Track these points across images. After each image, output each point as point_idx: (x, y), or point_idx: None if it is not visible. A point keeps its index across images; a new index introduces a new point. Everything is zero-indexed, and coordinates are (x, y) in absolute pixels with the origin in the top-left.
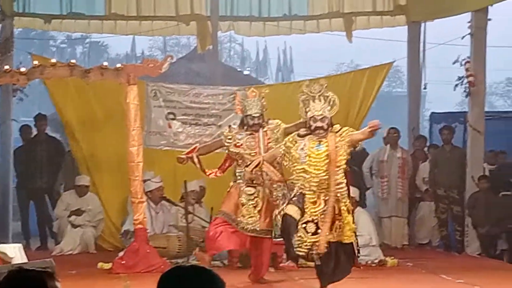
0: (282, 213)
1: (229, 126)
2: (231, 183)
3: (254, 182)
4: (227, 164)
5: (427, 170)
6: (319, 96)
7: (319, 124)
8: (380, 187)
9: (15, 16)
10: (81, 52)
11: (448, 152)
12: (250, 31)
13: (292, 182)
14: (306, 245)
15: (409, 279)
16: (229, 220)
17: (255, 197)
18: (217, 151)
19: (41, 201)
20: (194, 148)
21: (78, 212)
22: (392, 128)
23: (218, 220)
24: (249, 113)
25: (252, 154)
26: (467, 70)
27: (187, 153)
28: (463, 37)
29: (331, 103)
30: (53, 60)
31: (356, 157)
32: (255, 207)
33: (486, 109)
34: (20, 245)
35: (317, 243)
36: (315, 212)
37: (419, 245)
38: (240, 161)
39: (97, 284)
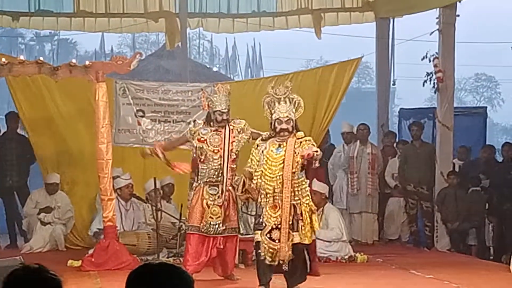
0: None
1: (194, 121)
2: (194, 184)
3: (215, 181)
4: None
5: (396, 166)
6: (284, 98)
7: (284, 126)
8: (350, 183)
9: None
10: (50, 49)
11: (418, 148)
12: (219, 28)
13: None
14: (273, 253)
15: (379, 274)
16: (200, 231)
17: (219, 196)
18: (183, 147)
19: (10, 198)
20: (157, 144)
21: (47, 210)
22: (362, 124)
23: (191, 238)
24: (218, 108)
25: (216, 150)
26: (435, 66)
27: (154, 147)
28: (432, 33)
29: (296, 105)
30: (21, 58)
31: (326, 152)
32: (220, 206)
33: (455, 104)
34: None
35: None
36: (275, 216)
37: (389, 241)
38: (203, 157)
39: (67, 282)
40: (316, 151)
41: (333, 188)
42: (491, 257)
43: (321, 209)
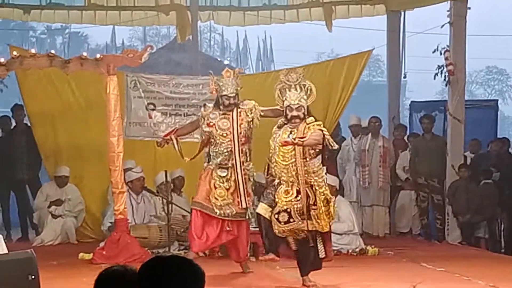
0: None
1: (204, 105)
2: (205, 164)
3: (226, 164)
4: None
5: (407, 159)
6: (296, 85)
7: (295, 113)
8: (361, 176)
9: None
10: (61, 42)
11: (429, 141)
12: (229, 21)
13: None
14: (281, 234)
15: (390, 267)
16: (205, 209)
17: (228, 179)
18: (196, 140)
19: (22, 192)
20: (172, 130)
21: (58, 203)
22: (374, 117)
23: (194, 213)
24: (225, 93)
25: (224, 134)
26: (446, 59)
27: (166, 135)
28: (443, 25)
29: (308, 92)
30: (33, 51)
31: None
32: (227, 189)
33: (466, 97)
34: (0, 236)
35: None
36: (287, 201)
37: (400, 234)
38: (212, 141)
39: (78, 274)
40: (302, 137)
41: (343, 181)
42: (502, 250)
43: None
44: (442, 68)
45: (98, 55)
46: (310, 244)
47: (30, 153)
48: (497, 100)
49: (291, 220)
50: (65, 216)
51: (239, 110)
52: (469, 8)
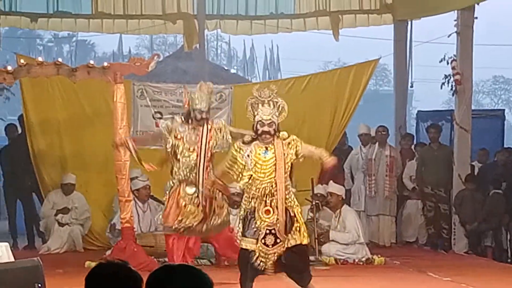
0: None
1: (172, 117)
2: (169, 183)
3: (191, 180)
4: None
5: (414, 168)
6: (268, 101)
7: (266, 128)
8: (368, 185)
9: (1, 15)
10: (68, 50)
11: (435, 150)
12: (236, 29)
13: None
14: (269, 258)
15: (396, 277)
16: (177, 231)
17: (197, 195)
18: (154, 147)
19: (28, 199)
20: (133, 138)
21: (64, 211)
22: (381, 126)
23: (169, 239)
24: (197, 107)
25: (191, 149)
26: (453, 68)
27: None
28: (450, 35)
29: (279, 109)
30: (40, 59)
31: (345, 155)
32: (198, 206)
33: (473, 107)
34: (6, 243)
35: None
36: (270, 221)
37: (407, 243)
38: (178, 155)
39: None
40: (333, 159)
41: (352, 190)
42: (509, 260)
43: (338, 210)
44: (449, 77)
45: (105, 64)
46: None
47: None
48: (504, 109)
49: (278, 241)
50: (72, 224)
51: (209, 126)
52: (476, 17)
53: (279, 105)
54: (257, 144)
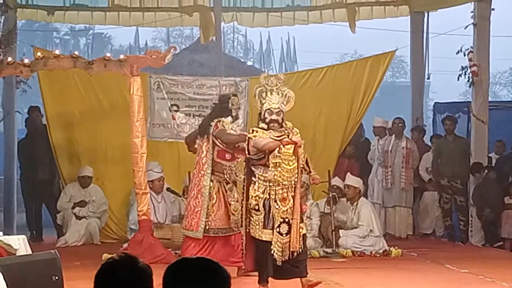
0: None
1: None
2: (205, 183)
3: (229, 178)
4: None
5: (430, 160)
6: (276, 89)
7: (274, 117)
8: (384, 177)
9: (18, 8)
10: (85, 43)
11: (451, 142)
12: (253, 22)
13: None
14: (282, 249)
15: (413, 269)
16: (219, 233)
17: (236, 192)
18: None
19: (41, 192)
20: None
21: (81, 204)
22: (398, 118)
23: (207, 240)
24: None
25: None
26: (470, 60)
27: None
28: (466, 26)
29: (287, 98)
30: (57, 52)
31: (362, 146)
32: (237, 201)
33: (490, 99)
34: (24, 236)
35: (289, 242)
36: (285, 210)
37: (424, 235)
38: (230, 155)
39: None
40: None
41: (368, 182)
42: None
43: (355, 203)
44: (465, 69)
45: (121, 56)
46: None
47: (50, 154)
48: None
49: (290, 230)
50: (89, 217)
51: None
52: (493, 9)
53: (286, 94)
54: (274, 132)
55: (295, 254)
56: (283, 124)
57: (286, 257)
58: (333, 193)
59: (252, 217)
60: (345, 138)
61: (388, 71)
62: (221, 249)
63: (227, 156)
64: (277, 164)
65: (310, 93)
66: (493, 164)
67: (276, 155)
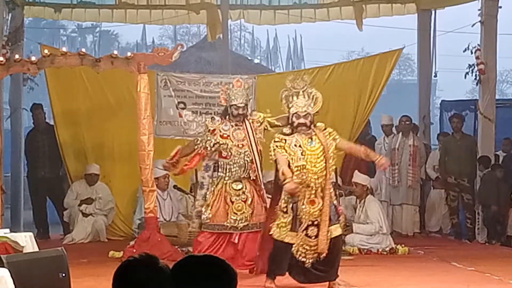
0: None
1: (212, 117)
2: (209, 180)
3: (240, 176)
4: (195, 161)
5: (437, 158)
6: (303, 92)
7: (302, 120)
8: (391, 175)
9: (25, 6)
10: (92, 41)
11: (458, 140)
12: (260, 19)
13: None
14: (310, 251)
15: (420, 267)
16: (217, 229)
17: (244, 191)
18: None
19: (44, 190)
20: (177, 152)
21: (88, 201)
22: (404, 116)
23: (205, 235)
24: (234, 102)
25: (240, 145)
26: (477, 58)
27: (171, 159)
28: (474, 24)
29: (314, 99)
30: (64, 49)
31: (368, 145)
32: (244, 201)
33: (497, 96)
34: (31, 233)
35: (317, 245)
36: (314, 212)
37: (430, 233)
38: (226, 153)
39: (108, 272)
40: (386, 160)
41: (374, 180)
42: None
43: (362, 201)
44: (473, 67)
45: (128, 54)
46: (340, 250)
47: (52, 152)
48: None
49: (320, 232)
50: (96, 214)
51: (250, 120)
52: (500, 7)
53: (313, 96)
54: (300, 135)
55: (321, 257)
56: (311, 126)
57: (312, 260)
58: (340, 191)
59: (279, 219)
60: (352, 136)
61: (395, 69)
62: (226, 249)
63: (223, 153)
64: (302, 167)
65: (317, 90)
66: (500, 162)
67: (300, 157)
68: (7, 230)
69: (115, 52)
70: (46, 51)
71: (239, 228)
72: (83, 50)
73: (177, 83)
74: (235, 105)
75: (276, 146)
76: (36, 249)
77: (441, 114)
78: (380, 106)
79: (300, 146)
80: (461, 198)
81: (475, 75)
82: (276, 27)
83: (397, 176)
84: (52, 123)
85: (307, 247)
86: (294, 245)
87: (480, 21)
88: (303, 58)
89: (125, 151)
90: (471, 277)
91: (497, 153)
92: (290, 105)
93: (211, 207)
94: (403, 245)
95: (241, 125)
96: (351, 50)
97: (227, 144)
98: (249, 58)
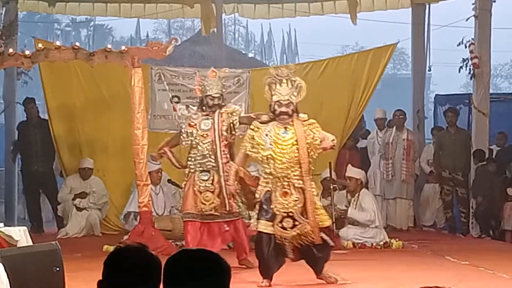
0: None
1: (187, 106)
2: (186, 171)
3: (206, 167)
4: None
5: (431, 152)
6: (286, 80)
7: (284, 109)
8: (385, 169)
9: (19, 0)
10: (86, 35)
11: (453, 134)
12: (254, 13)
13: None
14: (287, 242)
15: (414, 261)
16: (196, 218)
17: (211, 182)
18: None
19: (36, 185)
20: (164, 143)
21: (82, 195)
22: (398, 110)
23: (188, 225)
24: (209, 93)
25: (205, 135)
26: (471, 52)
27: (160, 149)
28: (468, 19)
29: (298, 88)
30: (58, 43)
31: (363, 139)
32: (212, 192)
33: (491, 91)
34: (25, 228)
35: (302, 236)
36: (287, 204)
37: (424, 227)
38: (193, 142)
39: (102, 266)
40: (333, 139)
41: (368, 174)
42: None
43: (357, 194)
44: (467, 61)
45: (122, 48)
46: (330, 244)
47: (44, 146)
48: None
49: (296, 223)
50: (90, 208)
51: (221, 111)
52: (494, 1)
53: (297, 84)
54: (276, 124)
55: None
56: (294, 115)
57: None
58: (334, 185)
59: (256, 210)
60: (345, 130)
61: (389, 63)
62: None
63: (189, 142)
64: (270, 157)
65: (311, 85)
66: (494, 156)
67: (268, 148)
68: (1, 224)
69: (109, 46)
70: (40, 45)
71: (216, 217)
72: (77, 44)
73: (171, 77)
74: (210, 95)
75: (249, 133)
76: (30, 243)
77: (435, 108)
78: (374, 100)
79: (271, 135)
80: (455, 192)
81: (469, 69)
82: (270, 21)
83: (391, 170)
84: (44, 117)
85: (283, 239)
86: (273, 235)
87: (474, 15)
88: (297, 52)
89: (119, 145)
90: (464, 271)
91: (491, 147)
92: (273, 93)
93: (184, 197)
94: (397, 239)
95: (211, 115)
96: (345, 44)
97: (193, 133)
98: (243, 52)
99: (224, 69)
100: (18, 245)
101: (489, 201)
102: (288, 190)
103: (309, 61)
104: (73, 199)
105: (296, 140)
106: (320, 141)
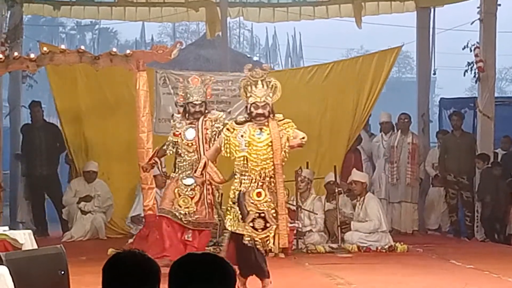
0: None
1: (173, 114)
2: (172, 174)
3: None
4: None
5: (436, 156)
6: (262, 81)
7: (260, 111)
8: (390, 172)
9: (24, 3)
10: (91, 38)
11: (458, 138)
12: (259, 17)
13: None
14: (259, 244)
15: (419, 264)
16: (168, 215)
17: (193, 189)
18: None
19: (40, 188)
20: (154, 153)
21: (87, 199)
22: (403, 113)
23: (163, 220)
24: (190, 100)
25: (190, 144)
26: (476, 55)
27: (150, 160)
28: (473, 22)
29: (273, 89)
30: (63, 47)
31: (368, 142)
32: (192, 198)
33: (496, 94)
34: (30, 231)
35: (269, 238)
36: (260, 204)
37: (429, 231)
38: (179, 151)
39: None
40: (303, 137)
41: (373, 178)
42: None
43: (362, 198)
44: (472, 65)
45: (127, 51)
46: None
47: (50, 150)
48: None
49: (267, 225)
50: (94, 212)
51: (205, 119)
52: (500, 4)
53: (272, 85)
54: (251, 125)
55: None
56: (270, 116)
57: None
58: (339, 189)
59: (231, 210)
60: (351, 134)
61: (394, 67)
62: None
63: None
64: (244, 158)
65: (316, 88)
66: (499, 160)
67: (243, 149)
68: (6, 228)
69: (114, 49)
70: (45, 48)
71: (184, 221)
72: (82, 47)
73: (176, 80)
74: (192, 102)
75: (224, 133)
76: (35, 247)
77: (440, 112)
78: (379, 104)
79: (246, 137)
80: (460, 195)
81: (474, 73)
82: (275, 24)
83: (396, 174)
84: (49, 120)
85: (259, 240)
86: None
87: (479, 19)
88: (302, 56)
89: (124, 148)
90: (470, 275)
91: (496, 151)
92: (248, 95)
93: (163, 195)
94: (402, 243)
95: (194, 124)
96: (350, 47)
97: (178, 142)
98: (248, 55)
99: (204, 74)
100: (23, 249)
101: (494, 204)
102: (261, 191)
103: (314, 64)
104: (78, 203)
105: (271, 141)
106: (288, 139)
